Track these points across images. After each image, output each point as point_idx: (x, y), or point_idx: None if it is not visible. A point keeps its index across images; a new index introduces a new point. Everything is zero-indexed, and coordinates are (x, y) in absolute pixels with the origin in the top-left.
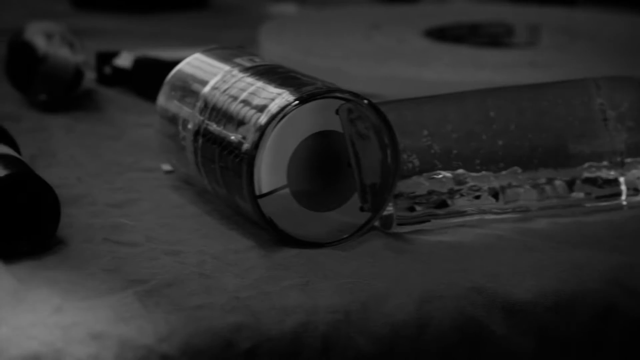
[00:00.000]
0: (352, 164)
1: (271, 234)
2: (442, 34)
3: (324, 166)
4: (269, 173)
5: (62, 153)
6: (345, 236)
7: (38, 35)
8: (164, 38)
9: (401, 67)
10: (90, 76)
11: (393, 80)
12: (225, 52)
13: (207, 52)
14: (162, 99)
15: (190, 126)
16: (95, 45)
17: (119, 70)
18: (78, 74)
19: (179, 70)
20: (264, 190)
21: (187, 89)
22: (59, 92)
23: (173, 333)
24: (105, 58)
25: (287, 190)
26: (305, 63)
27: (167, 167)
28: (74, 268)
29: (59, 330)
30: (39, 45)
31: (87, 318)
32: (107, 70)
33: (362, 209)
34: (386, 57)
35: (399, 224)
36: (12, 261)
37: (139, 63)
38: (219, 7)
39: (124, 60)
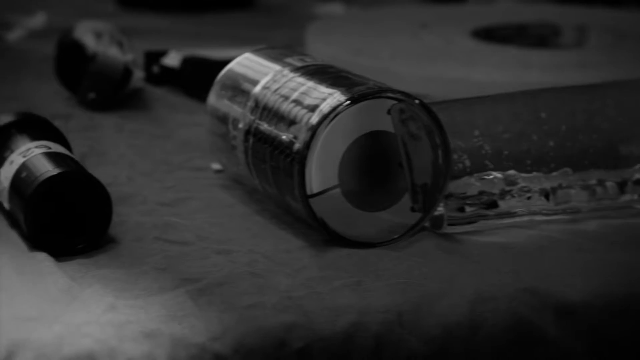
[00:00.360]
0: (404, 164)
1: (322, 234)
2: (489, 35)
3: (375, 166)
4: (320, 173)
5: (112, 152)
6: (395, 236)
7: (87, 34)
8: (211, 37)
9: (449, 67)
10: (138, 75)
11: (441, 81)
12: (275, 51)
13: (257, 51)
14: (212, 98)
15: (240, 125)
16: (141, 44)
17: (167, 70)
18: (127, 73)
19: (229, 70)
20: (315, 190)
21: (238, 89)
22: (107, 91)
23: (226, 332)
24: (153, 57)
25: (338, 190)
26: (353, 63)
27: (216, 166)
28: (125, 266)
29: (113, 328)
30: (88, 45)
31: (140, 316)
32: (155, 69)
33: (412, 210)
34: (434, 57)
35: (450, 225)
36: (64, 259)
37: (188, 62)
38: (265, 6)
39: (172, 59)
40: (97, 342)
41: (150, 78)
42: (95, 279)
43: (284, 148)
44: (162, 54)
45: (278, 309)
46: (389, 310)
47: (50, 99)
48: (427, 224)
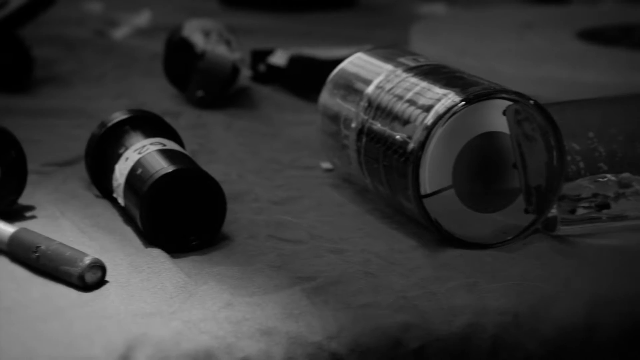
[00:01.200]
0: (518, 166)
1: (434, 234)
2: (594, 36)
3: (489, 167)
4: (434, 173)
5: (221, 150)
6: (509, 238)
7: (196, 32)
8: (314, 36)
9: (557, 68)
10: (245, 73)
11: (549, 82)
12: (387, 51)
13: (369, 51)
14: (324, 97)
15: (353, 125)
16: (245, 43)
17: (273, 68)
18: (235, 71)
19: (342, 69)
20: (429, 190)
21: (350, 88)
22: (215, 89)
23: (342, 331)
24: (260, 56)
25: (452, 190)
26: (458, 63)
27: (326, 165)
28: (240, 264)
29: (230, 325)
30: (197, 43)
31: (256, 314)
32: (262, 67)
33: (526, 211)
34: (541, 58)
35: (563, 226)
36: (179, 256)
37: (294, 61)
38: (367, 6)
39: (279, 58)
40: (214, 338)
41: (257, 76)
42: (211, 276)
43: (398, 148)
44: (269, 52)
45: (394, 308)
46: (505, 311)
47: (158, 96)
48: (540, 225)
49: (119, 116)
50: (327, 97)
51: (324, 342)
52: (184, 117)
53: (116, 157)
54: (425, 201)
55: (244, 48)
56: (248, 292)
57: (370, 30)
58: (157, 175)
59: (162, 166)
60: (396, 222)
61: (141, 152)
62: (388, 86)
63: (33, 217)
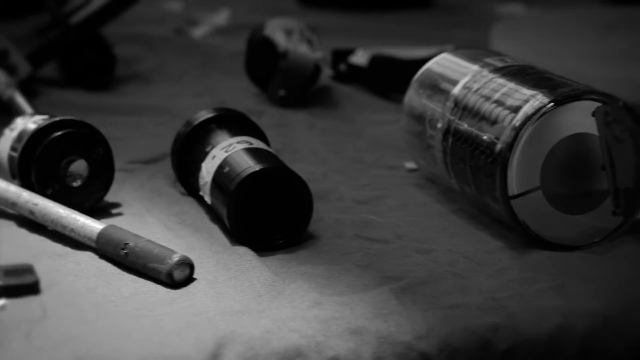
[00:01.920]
0: (606, 167)
1: (521, 235)
2: None
3: (577, 169)
4: (522, 174)
5: (305, 149)
6: (596, 240)
7: (278, 31)
8: (392, 36)
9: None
10: (326, 73)
11: (632, 84)
12: (472, 52)
13: (455, 51)
14: (409, 97)
15: (439, 125)
16: (324, 42)
17: (354, 68)
18: (316, 70)
19: (427, 69)
20: (517, 191)
21: (436, 88)
22: (297, 89)
23: (431, 331)
24: (340, 55)
25: (539, 192)
26: (539, 64)
27: (410, 164)
28: (327, 263)
29: (319, 324)
30: (279, 42)
31: (345, 313)
32: (343, 67)
33: (614, 213)
34: (624, 59)
35: None
36: (265, 254)
37: (375, 61)
38: (445, 6)
39: (360, 57)
40: (304, 337)
41: (338, 76)
42: (298, 275)
43: (485, 148)
44: (350, 52)
45: (482, 309)
46: (594, 314)
47: (239, 95)
48: (628, 228)
49: (205, 114)
50: (412, 97)
51: (413, 342)
52: (266, 116)
53: (202, 155)
54: (513, 202)
55: (323, 47)
56: (336, 291)
57: (449, 30)
58: (244, 174)
59: (249, 165)
60: (482, 222)
61: (228, 151)
62: (475, 87)
63: (119, 214)
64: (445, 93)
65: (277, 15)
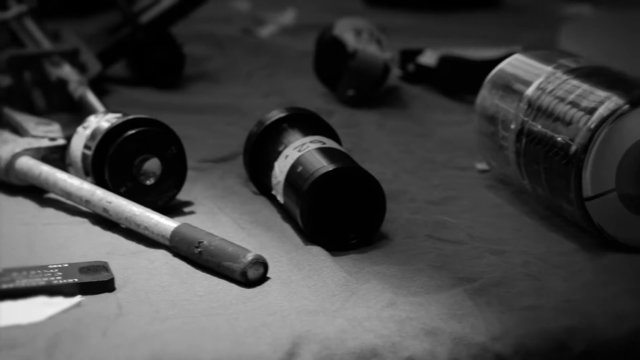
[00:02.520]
0: None
1: (595, 237)
2: None
3: None
4: (597, 176)
5: (375, 149)
6: None
7: (347, 31)
8: (459, 36)
9: None
10: (394, 73)
11: None
12: (545, 52)
13: (527, 52)
14: (481, 98)
15: (512, 126)
16: (391, 42)
17: (422, 68)
18: (385, 70)
19: (500, 70)
20: (591, 193)
21: (509, 89)
22: (366, 89)
23: (506, 333)
24: (409, 55)
25: (614, 194)
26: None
27: (481, 165)
28: (400, 263)
29: (394, 324)
30: (348, 42)
31: (419, 313)
32: (411, 67)
33: None
34: None
35: None
36: (338, 254)
37: (444, 61)
38: (512, 6)
39: (428, 58)
40: (379, 337)
41: (406, 76)
42: (372, 275)
43: (559, 149)
44: (418, 52)
45: (558, 311)
46: None
47: (307, 94)
48: None
49: (277, 114)
50: (484, 98)
51: (488, 343)
52: (336, 116)
53: (275, 155)
54: (588, 204)
55: (392, 47)
56: (410, 292)
57: (516, 30)
58: (317, 174)
59: (322, 164)
60: (554, 224)
61: (301, 150)
62: (549, 88)
63: (192, 212)
64: (519, 94)
65: (343, 15)
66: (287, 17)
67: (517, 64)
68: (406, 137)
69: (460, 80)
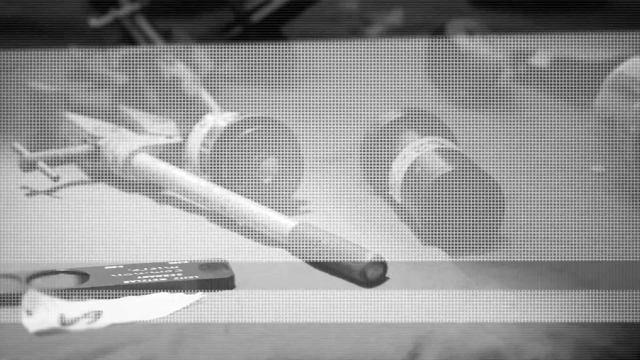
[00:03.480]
0: None
1: None
2: None
3: None
4: None
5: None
6: None
7: (460, 31)
8: (567, 37)
9: None
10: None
11: None
12: None
13: None
14: (601, 100)
15: (633, 129)
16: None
17: (534, 69)
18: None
19: (619, 73)
20: None
21: (629, 91)
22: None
23: (631, 337)
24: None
25: None
26: None
27: (598, 168)
28: (520, 265)
29: (516, 326)
30: (459, 42)
31: (542, 316)
32: (522, 68)
33: None
34: None
35: None
36: (458, 255)
37: (558, 62)
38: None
39: (540, 59)
40: (502, 339)
41: (517, 77)
42: (491, 277)
43: None
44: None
45: None
46: None
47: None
48: None
49: (394, 115)
50: (604, 100)
51: (612, 348)
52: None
53: (392, 154)
54: None
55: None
56: (532, 294)
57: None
58: (437, 175)
59: (440, 166)
60: None
61: (419, 150)
62: None
63: (308, 211)
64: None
65: (449, 15)
66: (395, 16)
67: (637, 66)
68: (519, 139)
69: (575, 81)
